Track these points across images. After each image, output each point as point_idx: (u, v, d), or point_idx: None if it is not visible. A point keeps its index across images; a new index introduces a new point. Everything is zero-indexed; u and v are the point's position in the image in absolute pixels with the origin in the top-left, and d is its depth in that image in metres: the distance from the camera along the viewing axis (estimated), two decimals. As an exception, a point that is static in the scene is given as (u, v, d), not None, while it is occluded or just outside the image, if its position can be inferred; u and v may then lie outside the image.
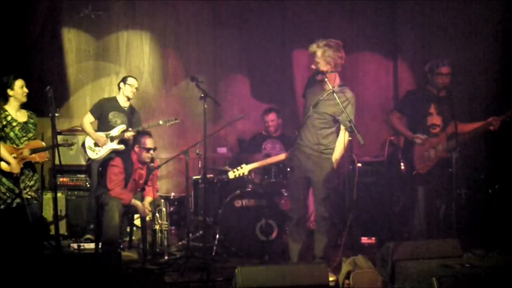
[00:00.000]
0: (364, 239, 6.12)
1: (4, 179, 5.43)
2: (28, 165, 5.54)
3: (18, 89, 5.49)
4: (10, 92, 5.51)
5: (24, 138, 5.53)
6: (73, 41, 7.55)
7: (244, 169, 5.18)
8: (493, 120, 5.40)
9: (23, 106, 5.60)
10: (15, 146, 5.47)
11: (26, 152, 5.46)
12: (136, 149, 5.78)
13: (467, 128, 5.47)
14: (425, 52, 7.78)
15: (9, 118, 5.47)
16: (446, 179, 5.43)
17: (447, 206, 5.51)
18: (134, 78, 6.60)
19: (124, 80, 6.54)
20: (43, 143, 5.70)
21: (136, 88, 6.56)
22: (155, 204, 5.85)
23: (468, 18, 7.33)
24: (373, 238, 6.14)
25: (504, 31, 7.01)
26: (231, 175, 5.20)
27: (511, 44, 6.92)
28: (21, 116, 5.57)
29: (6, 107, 5.51)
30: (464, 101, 6.66)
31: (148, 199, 5.79)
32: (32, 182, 5.55)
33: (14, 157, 5.41)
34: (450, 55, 7.19)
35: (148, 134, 5.88)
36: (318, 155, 4.85)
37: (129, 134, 6.34)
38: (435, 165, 5.45)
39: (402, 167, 5.71)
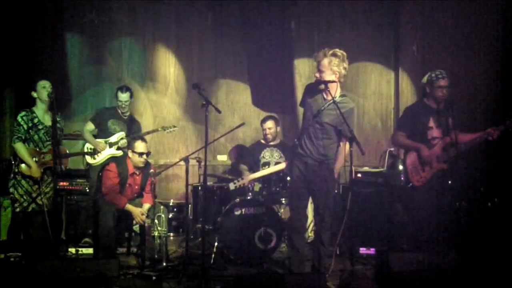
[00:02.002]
0: (363, 250, 6.10)
1: (23, 181, 5.42)
2: (48, 171, 5.53)
3: (42, 90, 5.49)
4: (34, 94, 5.51)
5: (48, 142, 5.50)
6: (76, 46, 7.59)
7: (245, 180, 5.24)
8: (491, 130, 5.37)
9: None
10: (38, 149, 5.47)
11: (48, 157, 5.45)
12: (129, 154, 5.80)
13: (465, 138, 5.42)
14: (425, 52, 7.81)
15: (35, 120, 5.45)
16: (446, 191, 5.42)
17: (446, 218, 5.50)
18: (125, 90, 6.57)
19: (115, 95, 6.61)
20: (66, 149, 5.70)
21: (127, 101, 6.56)
22: (154, 211, 5.85)
23: (469, 19, 7.33)
24: (372, 249, 6.12)
25: (504, 31, 6.98)
26: (231, 186, 5.26)
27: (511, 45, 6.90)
28: (49, 119, 5.53)
29: (34, 109, 5.52)
30: (464, 111, 6.66)
31: (146, 206, 5.79)
32: (48, 189, 5.53)
33: (36, 161, 5.40)
34: (451, 60, 7.24)
35: (141, 138, 5.89)
36: (319, 165, 4.84)
37: (124, 141, 6.42)
38: (432, 177, 5.40)
39: (402, 178, 5.69)
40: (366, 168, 6.98)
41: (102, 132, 6.59)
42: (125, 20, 7.75)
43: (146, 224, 5.79)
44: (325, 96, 4.83)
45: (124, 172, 5.74)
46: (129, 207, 5.65)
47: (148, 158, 5.85)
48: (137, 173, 5.82)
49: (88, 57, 7.66)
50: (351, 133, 4.61)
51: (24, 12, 6.98)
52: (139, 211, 5.66)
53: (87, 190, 6.75)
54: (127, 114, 6.68)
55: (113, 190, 5.66)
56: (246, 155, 7.01)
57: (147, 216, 5.78)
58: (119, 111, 6.61)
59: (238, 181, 5.23)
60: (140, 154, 5.72)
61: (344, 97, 4.85)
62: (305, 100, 4.96)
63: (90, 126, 6.60)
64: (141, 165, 5.78)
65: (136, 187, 5.85)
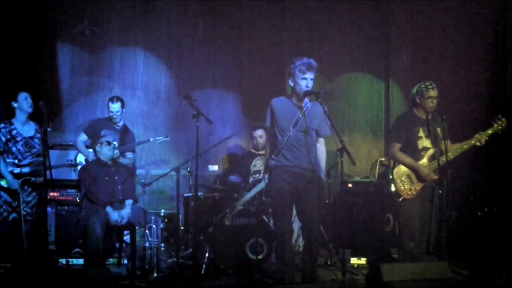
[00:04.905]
0: (354, 260, 6.10)
1: (2, 192, 5.40)
2: (29, 181, 5.49)
3: (22, 101, 5.47)
4: (14, 104, 5.50)
5: (28, 154, 5.48)
6: (67, 56, 7.58)
7: (236, 208, 5.73)
8: (479, 136, 5.38)
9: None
10: (16, 161, 5.44)
11: (26, 169, 5.42)
12: (97, 148, 5.85)
13: (454, 147, 5.43)
14: (415, 63, 7.84)
15: (13, 132, 5.43)
16: (437, 201, 5.43)
17: (437, 228, 5.51)
18: (116, 100, 6.53)
19: (107, 105, 6.59)
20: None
21: (118, 111, 6.54)
22: (146, 219, 5.82)
23: (460, 29, 7.37)
24: (363, 259, 6.13)
25: (504, 31, 7.02)
26: (227, 222, 5.69)
27: (509, 47, 6.92)
28: (28, 130, 5.52)
29: (13, 120, 5.50)
30: (455, 121, 6.68)
31: (128, 202, 5.77)
32: (30, 198, 5.50)
33: (12, 173, 5.38)
34: (441, 70, 7.29)
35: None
36: (310, 173, 4.87)
37: (117, 152, 6.41)
38: (422, 188, 5.39)
39: (392, 188, 5.70)
40: (356, 178, 7.00)
41: (95, 142, 6.56)
42: (116, 30, 7.75)
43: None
44: (297, 104, 4.94)
45: (96, 165, 5.80)
46: (108, 210, 5.60)
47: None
48: (110, 164, 5.85)
49: (79, 67, 7.64)
50: (341, 141, 4.68)
51: (15, 22, 6.97)
52: (117, 216, 5.63)
53: (77, 201, 6.72)
54: (120, 124, 6.66)
55: (95, 183, 5.67)
56: (240, 166, 7.03)
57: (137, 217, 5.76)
58: (112, 121, 6.60)
59: (231, 212, 5.60)
60: (107, 142, 5.79)
61: (314, 102, 4.91)
62: (276, 116, 5.03)
63: (83, 136, 6.58)
64: (109, 152, 5.82)
65: (116, 177, 5.84)
